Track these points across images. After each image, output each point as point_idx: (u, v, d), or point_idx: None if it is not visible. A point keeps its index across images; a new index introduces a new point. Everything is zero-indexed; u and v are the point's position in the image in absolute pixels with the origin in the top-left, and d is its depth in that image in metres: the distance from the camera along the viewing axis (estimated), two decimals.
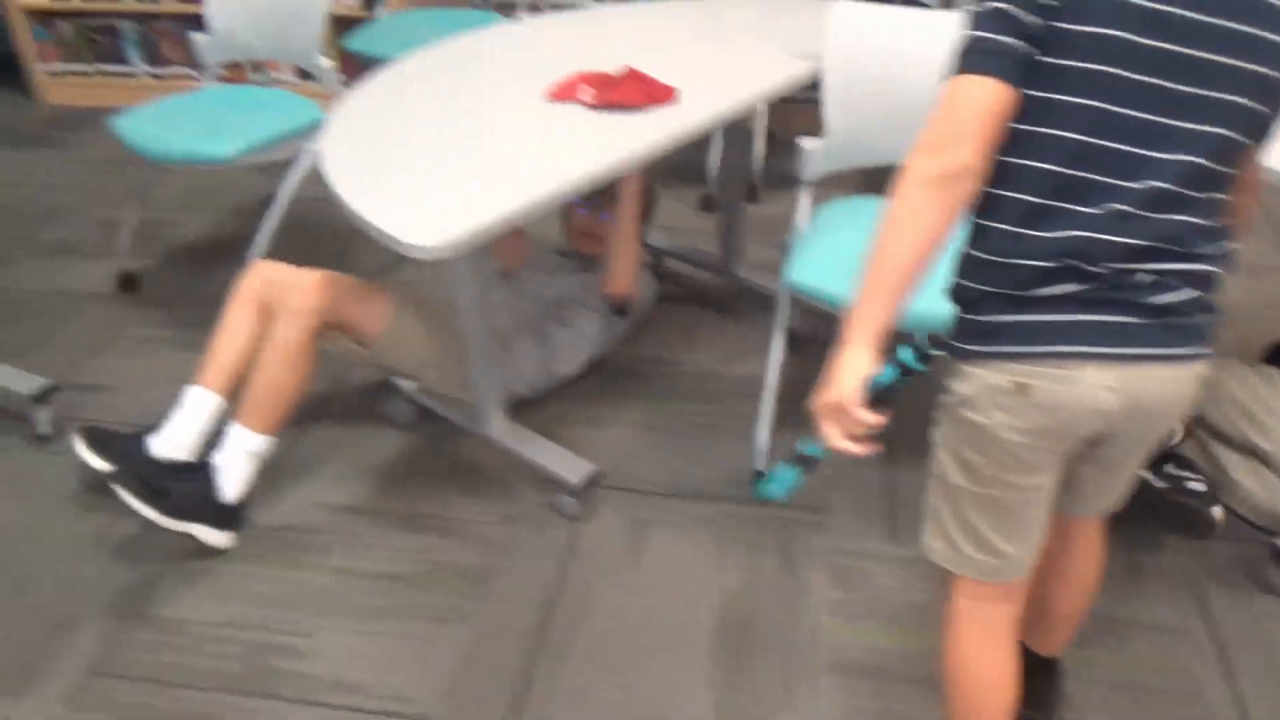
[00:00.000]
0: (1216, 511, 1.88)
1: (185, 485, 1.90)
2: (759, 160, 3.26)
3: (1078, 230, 1.06)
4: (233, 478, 1.94)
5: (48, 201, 3.35)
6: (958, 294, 1.17)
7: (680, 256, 2.80)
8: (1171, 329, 1.10)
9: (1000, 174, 1.09)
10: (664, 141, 1.78)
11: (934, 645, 1.37)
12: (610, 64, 2.03)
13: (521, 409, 2.27)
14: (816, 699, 1.67)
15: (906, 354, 1.13)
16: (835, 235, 2.05)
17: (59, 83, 4.14)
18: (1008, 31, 1.05)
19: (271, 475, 2.13)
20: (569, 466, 2.04)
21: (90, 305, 2.78)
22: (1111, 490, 1.33)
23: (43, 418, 2.27)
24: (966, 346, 1.15)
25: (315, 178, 2.70)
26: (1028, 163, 1.08)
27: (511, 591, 1.88)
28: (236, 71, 3.94)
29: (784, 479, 1.32)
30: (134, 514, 1.85)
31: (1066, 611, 1.50)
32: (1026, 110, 1.07)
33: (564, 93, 1.93)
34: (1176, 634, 1.77)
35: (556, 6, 3.67)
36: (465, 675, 1.72)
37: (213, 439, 2.00)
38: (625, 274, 2.18)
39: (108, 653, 1.77)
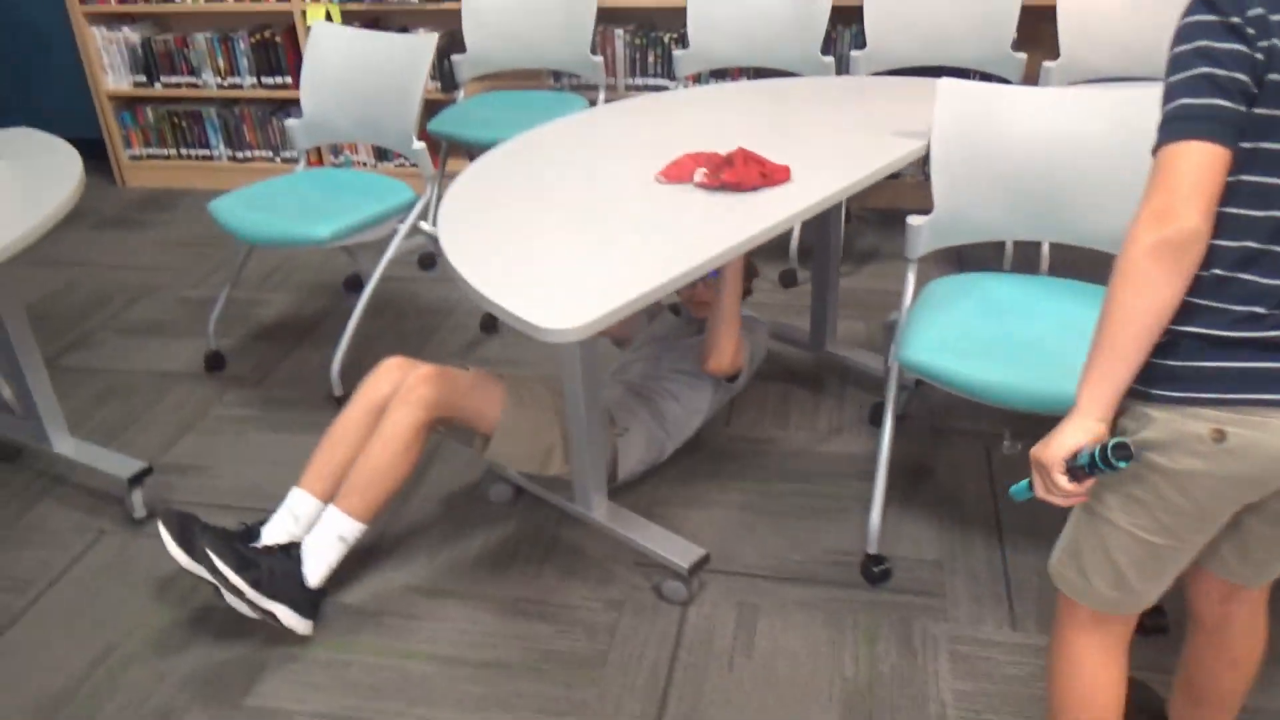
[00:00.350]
0: None
1: (274, 562, 1.87)
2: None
3: None
4: (319, 561, 1.90)
5: (134, 282, 3.41)
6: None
7: (770, 333, 2.77)
8: None
9: (1213, 223, 1.08)
10: (783, 222, 1.76)
11: None
12: (712, 144, 2.03)
13: (619, 491, 2.23)
14: None
15: (1110, 447, 1.10)
16: (945, 313, 2.01)
17: (140, 166, 4.25)
18: (1216, 94, 1.05)
19: (364, 556, 2.10)
20: (676, 550, 1.99)
21: (178, 384, 2.80)
22: (1276, 564, 1.30)
23: (137, 500, 2.26)
24: (1158, 392, 1.12)
25: (400, 259, 2.75)
26: (1242, 211, 1.07)
27: (621, 681, 1.81)
28: (314, 154, 4.03)
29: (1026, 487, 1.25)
30: (220, 589, 1.81)
31: (1228, 691, 1.43)
32: (1240, 160, 1.06)
33: (676, 174, 1.93)
34: None
35: (632, 89, 3.72)
36: None
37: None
38: (727, 351, 2.15)
39: None
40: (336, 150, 4.05)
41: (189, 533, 1.86)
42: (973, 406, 2.07)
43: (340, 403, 2.61)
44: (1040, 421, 1.67)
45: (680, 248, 1.66)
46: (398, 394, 1.95)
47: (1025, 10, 2.94)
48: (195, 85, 4.01)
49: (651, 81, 3.70)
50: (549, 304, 1.51)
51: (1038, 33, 3.02)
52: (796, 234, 3.28)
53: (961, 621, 1.90)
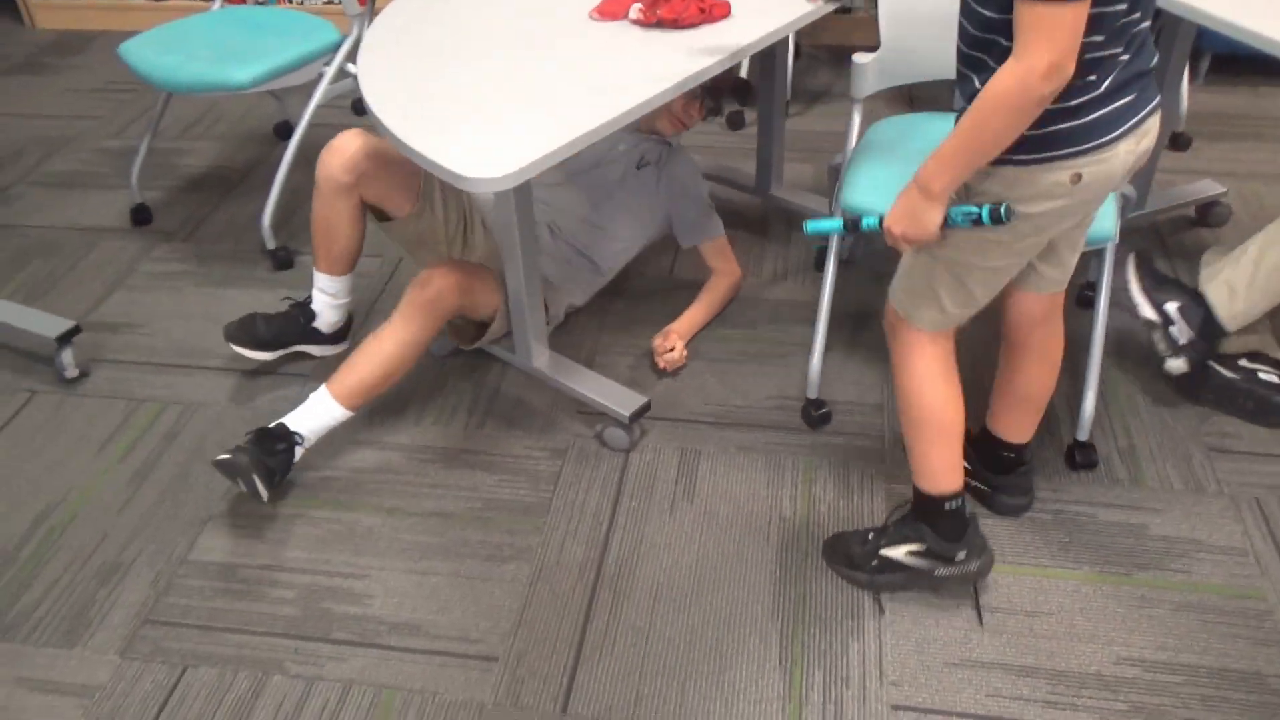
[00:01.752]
0: (1177, 365, 1.99)
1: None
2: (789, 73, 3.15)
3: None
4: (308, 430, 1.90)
5: (49, 133, 3.24)
6: None
7: (714, 177, 2.72)
8: (1152, 83, 1.33)
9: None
10: (722, 60, 1.69)
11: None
12: None
13: (560, 340, 2.22)
14: (883, 622, 1.65)
15: (986, 210, 1.32)
16: (888, 156, 1.97)
17: (49, 5, 3.98)
18: None
19: None
20: (617, 398, 2.00)
21: (103, 240, 2.70)
22: (1075, 260, 1.57)
23: (67, 359, 2.21)
24: (1021, 157, 1.30)
25: (331, 103, 2.62)
26: (1090, 39, 1.22)
27: (565, 528, 1.84)
28: None
29: (830, 225, 1.47)
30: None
31: (1039, 392, 1.72)
32: None
33: (611, 10, 1.83)
34: (1242, 554, 1.75)
35: None
36: (526, 614, 1.70)
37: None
38: (684, 332, 2.17)
39: (159, 600, 1.74)
40: None
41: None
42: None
43: (274, 255, 2.55)
44: None
45: (615, 89, 1.59)
46: (424, 298, 1.87)
47: None
48: None
49: None
50: (475, 151, 1.45)
51: None
52: (745, 72, 3.17)
53: (898, 461, 1.94)
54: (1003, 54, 1.22)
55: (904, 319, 1.56)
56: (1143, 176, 2.43)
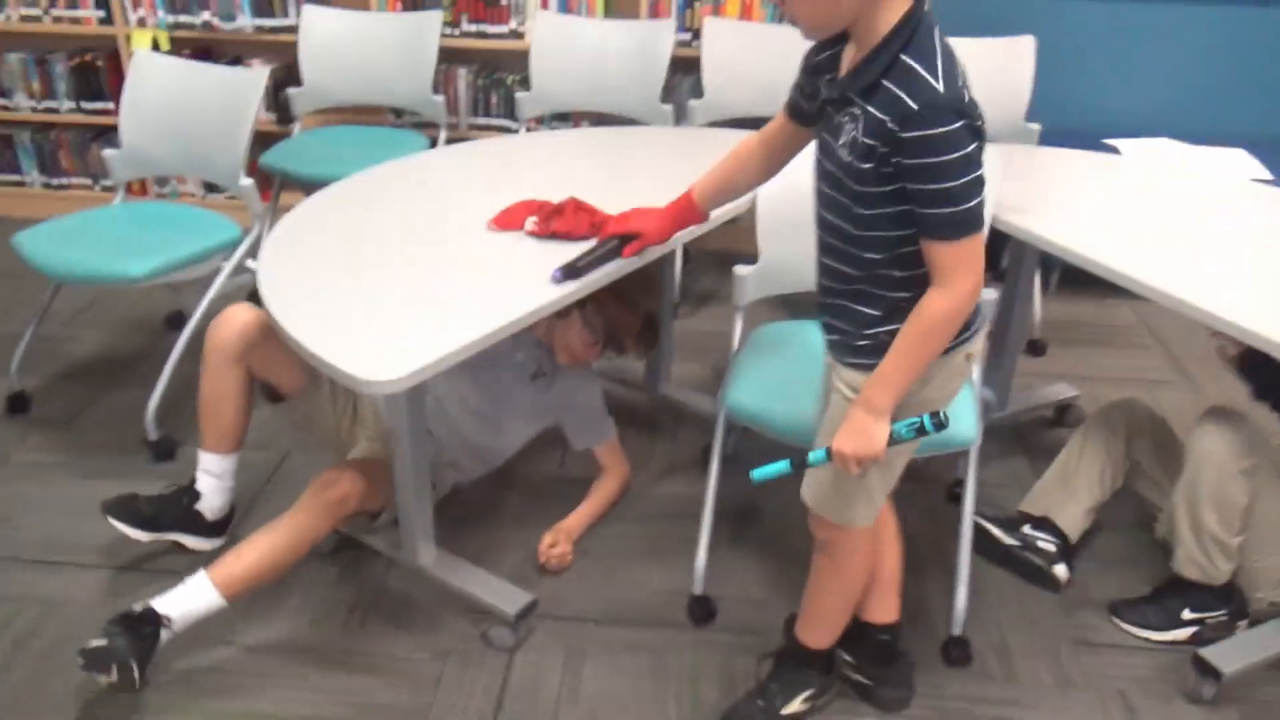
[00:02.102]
0: (1061, 570, 2.14)
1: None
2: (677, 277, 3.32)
3: None
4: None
5: None
6: None
7: (605, 375, 2.80)
8: None
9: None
10: (610, 273, 1.80)
11: None
12: (550, 190, 2.05)
13: (447, 535, 2.20)
14: None
15: (927, 420, 1.44)
16: (770, 360, 2.09)
17: None
18: (982, 192, 1.33)
19: None
20: (503, 596, 1.99)
21: None
22: None
23: None
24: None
25: (227, 295, 2.64)
26: None
27: None
28: (137, 185, 3.86)
29: (777, 469, 1.50)
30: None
31: (898, 563, 1.86)
32: None
33: (507, 221, 1.95)
34: None
35: (475, 128, 3.73)
36: None
37: None
38: (572, 531, 2.22)
39: None
40: (163, 181, 3.89)
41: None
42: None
43: (155, 446, 2.50)
44: None
45: (508, 297, 1.67)
46: (327, 498, 1.88)
47: None
48: (6, 107, 3.79)
49: (494, 122, 3.71)
50: (370, 354, 1.49)
51: None
52: None
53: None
54: (895, 284, 1.41)
55: (841, 526, 1.62)
56: (1002, 380, 2.61)
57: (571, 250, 1.84)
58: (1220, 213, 2.21)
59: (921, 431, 1.44)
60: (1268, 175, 3.27)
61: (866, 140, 1.31)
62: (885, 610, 1.85)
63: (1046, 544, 2.15)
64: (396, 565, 2.15)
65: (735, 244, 3.86)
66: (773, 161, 1.67)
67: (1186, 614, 2.02)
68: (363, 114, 3.65)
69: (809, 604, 1.80)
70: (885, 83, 1.29)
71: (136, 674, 1.72)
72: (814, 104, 1.47)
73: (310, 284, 1.72)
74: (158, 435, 2.51)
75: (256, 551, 1.84)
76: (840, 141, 1.37)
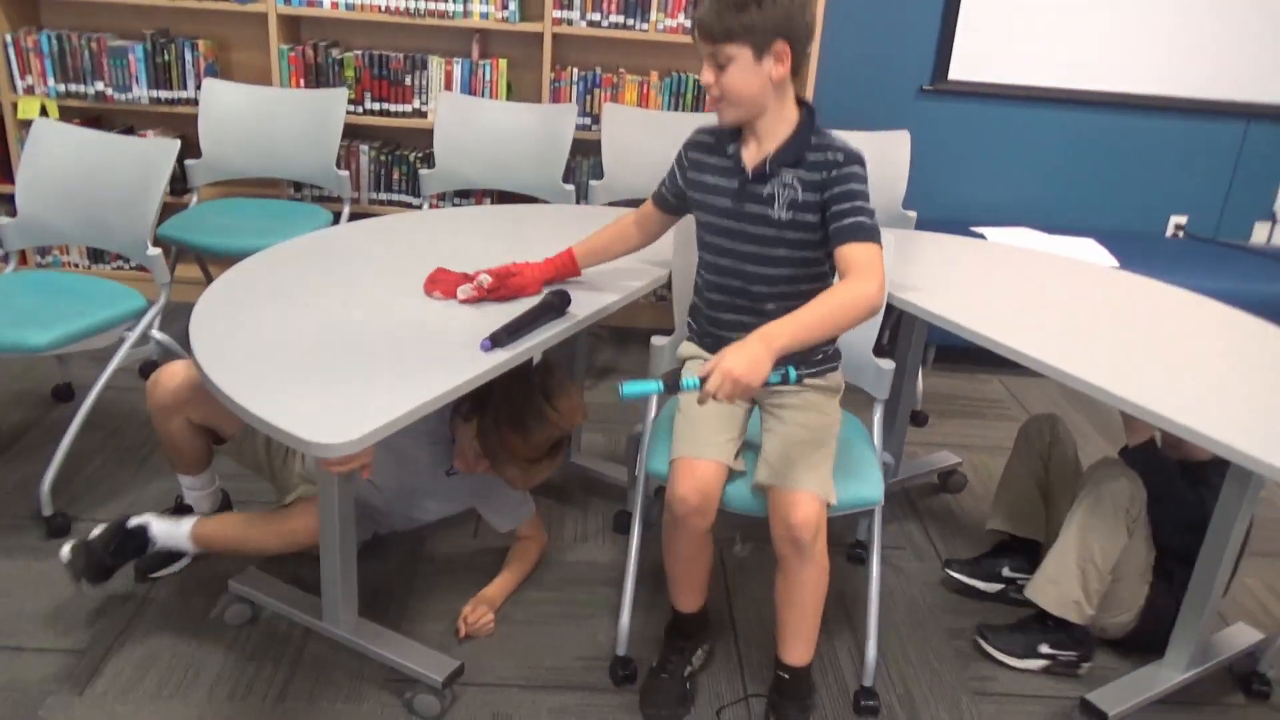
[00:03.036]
0: (1087, 667, 2.22)
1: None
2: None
3: None
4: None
5: None
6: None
7: None
8: None
9: None
10: (561, 334, 1.90)
11: None
12: (459, 263, 2.14)
13: (364, 605, 2.20)
14: None
15: (791, 370, 1.67)
16: None
17: None
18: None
19: (86, 689, 1.95)
20: (429, 662, 2.00)
21: None
22: None
23: None
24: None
25: (120, 367, 2.60)
26: None
27: None
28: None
29: (647, 387, 1.61)
30: None
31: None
32: None
33: (444, 288, 2.03)
34: None
35: (376, 204, 3.78)
36: None
37: None
38: (494, 601, 2.27)
39: None
40: (43, 251, 3.79)
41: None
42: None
43: (49, 522, 2.42)
44: (763, 526, 1.87)
45: (444, 365, 1.73)
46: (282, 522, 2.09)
47: None
48: None
49: (396, 197, 3.78)
50: (316, 418, 1.52)
51: None
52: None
53: (701, 710, 2.03)
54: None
55: (823, 501, 1.84)
56: (895, 447, 2.79)
57: (499, 318, 1.92)
58: (1082, 291, 2.45)
59: (784, 380, 1.66)
60: (1114, 262, 3.62)
61: (808, 195, 1.82)
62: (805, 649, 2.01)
63: (1067, 655, 2.23)
64: (313, 634, 2.14)
65: (633, 320, 4.01)
66: (645, 238, 2.17)
67: (1044, 649, 2.21)
68: (260, 187, 3.66)
69: (797, 623, 1.94)
70: (810, 153, 1.82)
71: (107, 565, 2.09)
72: (679, 200, 2.04)
73: (247, 350, 1.74)
74: (51, 510, 2.43)
75: (226, 535, 2.13)
76: (778, 204, 1.84)
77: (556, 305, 1.96)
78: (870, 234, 1.76)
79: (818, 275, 1.92)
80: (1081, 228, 4.07)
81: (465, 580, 2.33)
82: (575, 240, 2.20)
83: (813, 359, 2.01)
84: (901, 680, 2.18)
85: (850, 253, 1.74)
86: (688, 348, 2.12)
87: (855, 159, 1.81)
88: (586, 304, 2.06)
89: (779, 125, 1.84)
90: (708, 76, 1.79)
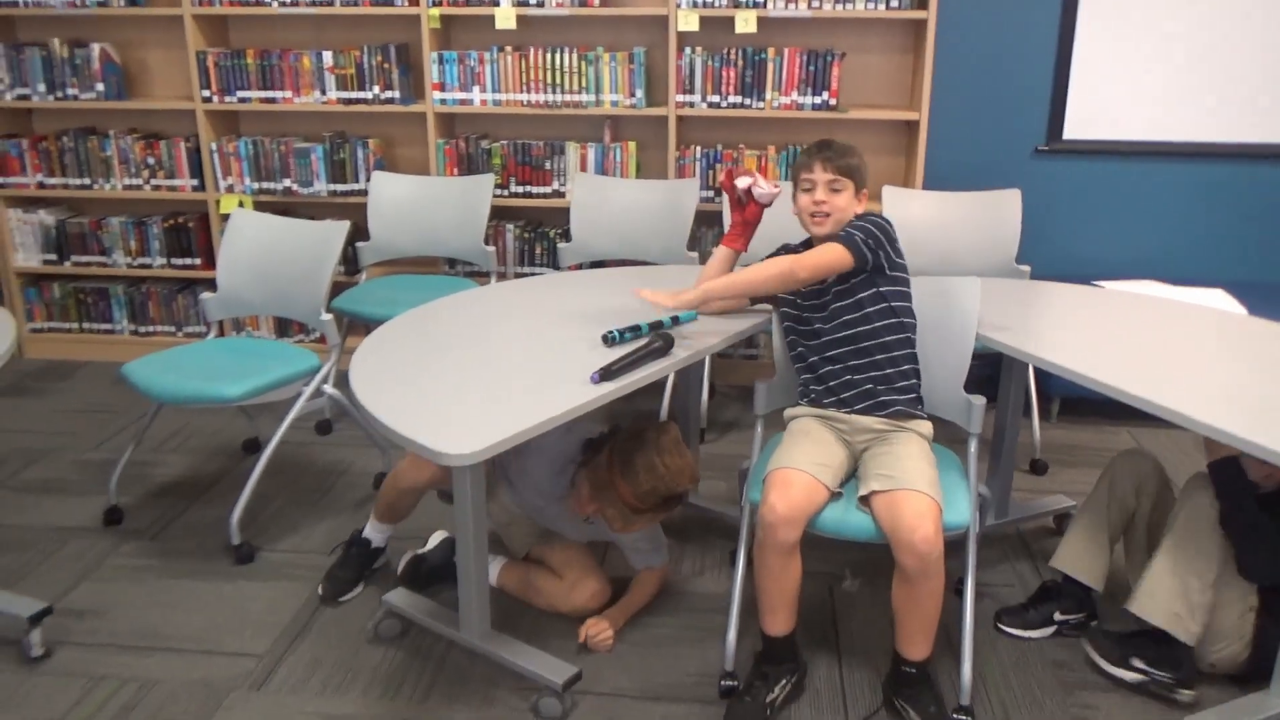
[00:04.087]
0: (1187, 695, 2.23)
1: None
2: (704, 406, 3.63)
3: None
4: None
5: (31, 445, 3.53)
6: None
7: None
8: None
9: None
10: (663, 371, 2.14)
11: None
12: (593, 309, 2.40)
13: (495, 619, 2.44)
14: None
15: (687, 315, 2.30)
16: None
17: (39, 339, 4.40)
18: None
19: (262, 685, 2.25)
20: (551, 668, 2.21)
21: (75, 538, 2.91)
22: None
23: (35, 639, 2.36)
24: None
25: (297, 424, 2.98)
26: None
27: None
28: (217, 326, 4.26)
29: (626, 335, 2.23)
30: None
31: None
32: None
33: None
34: None
35: (521, 275, 4.14)
36: None
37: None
38: (616, 620, 2.47)
39: None
40: (238, 325, 4.31)
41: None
42: (818, 548, 2.39)
43: (237, 550, 2.79)
44: (873, 565, 2.01)
45: (555, 394, 1.99)
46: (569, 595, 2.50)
47: None
48: (105, 264, 4.25)
49: (538, 270, 4.13)
50: (446, 435, 1.80)
51: None
52: (666, 405, 3.63)
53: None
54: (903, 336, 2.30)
55: (938, 504, 2.06)
56: (1000, 487, 2.86)
57: (610, 356, 2.16)
58: (1212, 337, 2.46)
59: (675, 321, 2.30)
60: (1244, 312, 3.56)
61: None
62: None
63: (1162, 675, 2.24)
64: (455, 647, 2.39)
65: (753, 377, 4.19)
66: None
67: (1137, 662, 2.24)
68: (420, 264, 4.08)
69: (919, 624, 2.12)
70: None
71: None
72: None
73: (394, 383, 2.04)
74: (239, 540, 2.80)
75: (523, 588, 2.56)
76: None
77: (661, 347, 2.19)
78: (847, 241, 2.25)
79: (889, 329, 2.29)
80: (1208, 279, 4.02)
81: None
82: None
83: (895, 405, 2.27)
84: (1001, 706, 2.24)
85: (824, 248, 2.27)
86: (798, 410, 2.39)
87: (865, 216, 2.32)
88: (691, 346, 2.28)
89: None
90: (821, 195, 2.28)
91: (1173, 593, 2.17)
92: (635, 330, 2.28)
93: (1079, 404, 3.84)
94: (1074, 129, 4.04)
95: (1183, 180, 4.10)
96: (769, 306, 2.50)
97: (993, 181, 3.70)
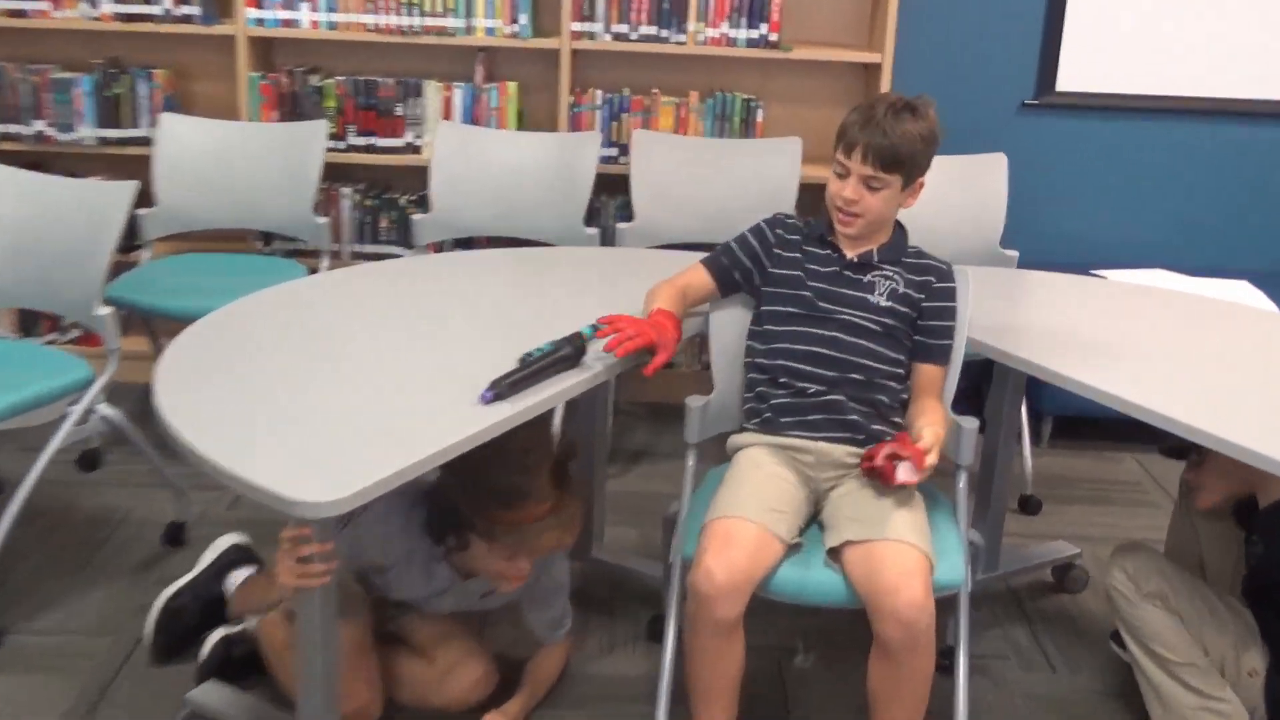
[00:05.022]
0: None
1: None
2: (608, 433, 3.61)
3: None
4: None
5: None
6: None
7: None
8: None
9: None
10: (542, 402, 2.08)
11: None
12: (465, 315, 2.35)
13: None
14: None
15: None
16: None
17: None
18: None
19: None
20: None
21: None
22: None
23: None
24: None
25: (54, 459, 2.83)
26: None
27: None
28: None
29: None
30: None
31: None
32: None
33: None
34: None
35: (361, 257, 4.05)
36: None
37: None
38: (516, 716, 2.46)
39: None
40: None
41: None
42: (764, 615, 2.39)
43: None
44: (832, 634, 2.03)
45: (439, 419, 1.94)
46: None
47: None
48: None
49: (384, 249, 4.05)
50: (299, 475, 1.73)
51: None
52: (557, 427, 3.59)
53: None
54: (896, 386, 2.36)
55: (927, 556, 2.09)
56: (990, 531, 2.93)
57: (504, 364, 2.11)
58: (1238, 340, 2.57)
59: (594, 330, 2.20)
60: (1275, 308, 3.73)
61: (910, 291, 2.35)
62: None
63: None
64: None
65: (671, 393, 4.18)
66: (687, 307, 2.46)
67: None
68: (224, 240, 3.95)
69: (906, 710, 2.15)
70: (907, 258, 2.40)
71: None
72: (745, 278, 2.45)
73: (218, 407, 1.96)
74: None
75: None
76: (877, 292, 2.35)
77: (570, 355, 2.17)
78: (948, 357, 2.38)
79: (895, 363, 2.36)
80: (1231, 269, 4.20)
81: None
82: (613, 289, 2.47)
83: (876, 432, 2.30)
84: None
85: (932, 374, 2.37)
86: (747, 438, 2.39)
87: (951, 273, 2.41)
88: (600, 358, 2.25)
89: (878, 233, 2.39)
90: (851, 193, 2.28)
91: (1181, 692, 2.29)
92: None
93: (1076, 425, 3.97)
94: (1069, 79, 4.17)
95: (1201, 145, 4.26)
96: (706, 308, 2.50)
97: (971, 144, 3.78)
